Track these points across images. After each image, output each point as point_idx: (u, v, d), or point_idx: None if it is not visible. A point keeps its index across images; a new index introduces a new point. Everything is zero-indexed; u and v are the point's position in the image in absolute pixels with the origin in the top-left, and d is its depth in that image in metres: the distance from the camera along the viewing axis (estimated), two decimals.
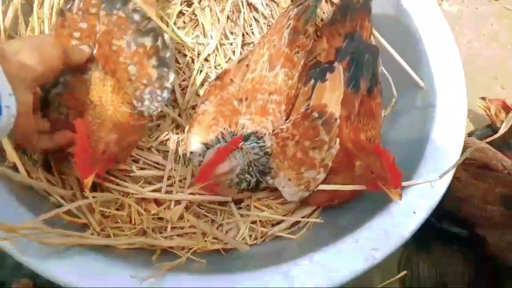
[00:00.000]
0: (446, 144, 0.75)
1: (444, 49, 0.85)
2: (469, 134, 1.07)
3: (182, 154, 0.79)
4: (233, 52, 0.94)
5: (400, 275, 0.86)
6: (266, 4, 0.99)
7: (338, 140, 0.71)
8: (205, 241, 0.70)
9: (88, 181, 0.58)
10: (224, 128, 0.73)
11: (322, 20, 0.95)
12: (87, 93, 0.64)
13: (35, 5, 0.77)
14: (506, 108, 1.01)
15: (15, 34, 0.75)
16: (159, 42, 0.68)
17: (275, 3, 0.99)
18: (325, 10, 0.97)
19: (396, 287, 0.92)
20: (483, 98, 1.07)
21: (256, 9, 0.97)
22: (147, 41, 0.67)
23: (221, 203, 0.75)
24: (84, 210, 0.66)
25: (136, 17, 0.67)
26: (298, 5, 0.80)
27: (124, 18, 0.67)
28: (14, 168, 0.63)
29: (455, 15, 1.33)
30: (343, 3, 0.88)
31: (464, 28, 1.31)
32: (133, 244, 0.63)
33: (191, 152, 0.72)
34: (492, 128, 1.03)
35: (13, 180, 0.62)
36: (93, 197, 0.65)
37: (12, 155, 0.63)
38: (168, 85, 0.68)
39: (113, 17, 0.67)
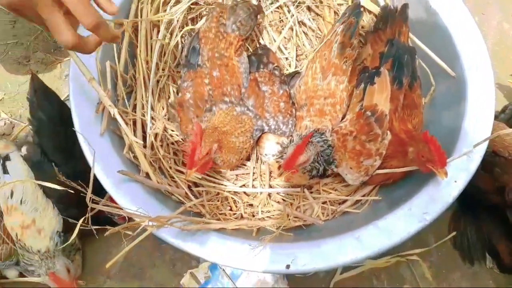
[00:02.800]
0: (478, 124, 0.86)
1: (470, 41, 0.94)
2: (503, 109, 1.18)
3: (258, 156, 0.97)
4: (289, 64, 1.10)
5: (450, 236, 1.01)
6: (313, 19, 1.15)
7: (389, 132, 0.86)
8: (289, 220, 0.88)
9: (191, 172, 0.76)
10: None
11: (363, 27, 1.10)
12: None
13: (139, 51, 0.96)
14: None
15: (125, 74, 0.95)
16: None
17: (321, 17, 1.15)
18: (364, 18, 1.11)
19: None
20: None
21: (304, 24, 1.13)
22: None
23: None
24: (197, 204, 0.87)
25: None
26: (343, 22, 0.95)
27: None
28: (147, 176, 0.83)
29: (484, 0, 1.42)
30: (384, 13, 1.01)
31: (493, 11, 1.37)
32: (240, 224, 0.83)
33: (265, 154, 0.91)
34: None
35: (147, 185, 0.82)
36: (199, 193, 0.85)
37: (146, 167, 0.83)
38: None
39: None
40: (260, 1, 1.11)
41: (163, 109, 1.00)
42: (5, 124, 1.14)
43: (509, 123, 1.12)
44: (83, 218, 0.71)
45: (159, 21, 1.00)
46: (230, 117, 0.87)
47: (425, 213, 0.78)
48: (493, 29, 1.35)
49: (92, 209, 0.72)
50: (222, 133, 0.82)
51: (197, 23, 1.08)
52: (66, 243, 0.86)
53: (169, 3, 1.04)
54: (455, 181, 0.81)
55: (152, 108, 0.96)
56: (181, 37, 1.04)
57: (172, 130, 0.98)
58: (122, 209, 0.75)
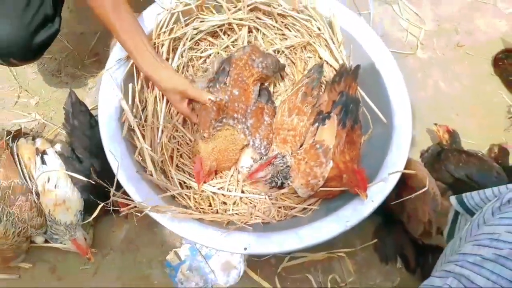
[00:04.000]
0: (396, 159, 1.14)
1: (401, 100, 1.23)
2: (427, 149, 1.48)
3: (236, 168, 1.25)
4: None
5: (373, 242, 1.30)
6: (288, 65, 1.45)
7: (331, 161, 1.15)
8: (251, 217, 1.16)
9: (200, 186, 1.07)
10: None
11: (324, 76, 1.40)
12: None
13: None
14: (448, 132, 1.40)
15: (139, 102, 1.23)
16: None
17: (294, 64, 1.45)
18: (327, 69, 1.41)
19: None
20: (435, 124, 1.44)
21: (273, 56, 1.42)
22: None
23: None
24: (185, 198, 1.14)
25: None
26: (308, 77, 1.25)
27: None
28: (150, 175, 1.11)
29: (426, 60, 1.70)
30: (340, 69, 1.29)
31: (432, 70, 1.67)
32: (214, 217, 1.10)
33: (241, 166, 1.19)
34: (440, 144, 1.42)
35: (151, 181, 1.09)
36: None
37: (150, 167, 1.11)
38: None
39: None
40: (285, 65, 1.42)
41: (170, 118, 1.29)
42: (38, 123, 1.40)
43: (430, 160, 1.42)
44: (101, 204, 0.99)
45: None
46: (229, 139, 1.16)
47: (347, 221, 1.05)
48: (431, 85, 1.66)
49: (107, 198, 0.98)
50: (219, 151, 1.13)
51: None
52: (86, 221, 1.13)
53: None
54: (372, 200, 1.09)
55: (158, 118, 1.24)
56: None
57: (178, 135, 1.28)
58: (132, 200, 1.02)
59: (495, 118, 1.60)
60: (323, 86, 1.36)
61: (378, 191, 1.11)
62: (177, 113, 1.30)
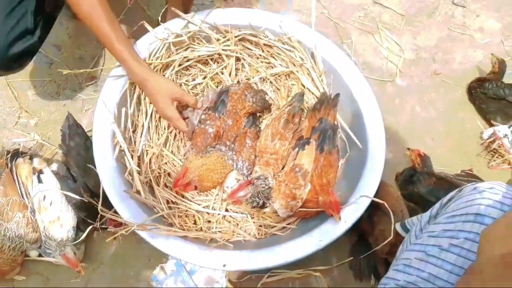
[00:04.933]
0: (369, 182, 1.21)
1: (375, 127, 1.31)
2: (402, 172, 1.55)
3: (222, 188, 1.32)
4: None
5: (348, 260, 1.36)
6: (273, 91, 1.54)
7: (309, 184, 1.22)
8: (233, 235, 1.23)
9: (175, 189, 1.15)
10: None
11: (307, 102, 1.48)
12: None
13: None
14: (420, 156, 1.47)
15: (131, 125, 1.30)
16: None
17: (279, 91, 1.53)
18: (308, 96, 1.49)
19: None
20: (408, 149, 1.52)
21: (266, 94, 1.51)
22: None
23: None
24: (171, 216, 1.21)
25: None
26: (290, 105, 1.33)
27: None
28: (138, 193, 1.17)
29: (404, 87, 1.77)
30: (321, 97, 1.38)
31: (409, 97, 1.75)
32: (198, 235, 1.16)
33: (227, 186, 1.27)
34: (413, 168, 1.48)
35: (138, 200, 1.16)
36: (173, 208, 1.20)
37: (138, 185, 1.17)
38: None
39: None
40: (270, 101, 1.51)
41: (158, 139, 1.36)
42: (37, 143, 1.47)
43: (403, 182, 1.50)
44: (91, 226, 1.05)
45: None
46: (218, 160, 1.24)
47: (321, 240, 1.12)
48: (408, 110, 1.74)
49: (98, 215, 1.05)
50: (207, 170, 1.20)
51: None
52: (79, 238, 1.19)
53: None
54: (345, 221, 1.16)
55: (148, 140, 1.32)
56: None
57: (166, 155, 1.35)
58: (120, 217, 1.09)
59: (468, 143, 1.68)
60: (305, 112, 1.44)
61: (351, 212, 1.18)
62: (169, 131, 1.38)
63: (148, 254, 1.32)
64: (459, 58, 1.92)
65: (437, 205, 0.94)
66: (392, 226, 1.05)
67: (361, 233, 1.35)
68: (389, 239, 1.04)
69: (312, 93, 1.48)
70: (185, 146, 1.40)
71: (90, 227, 1.05)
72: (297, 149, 1.27)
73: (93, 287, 1.28)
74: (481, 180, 1.45)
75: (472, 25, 2.03)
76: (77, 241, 1.21)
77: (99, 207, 1.03)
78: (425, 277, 0.80)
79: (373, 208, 1.24)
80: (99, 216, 1.03)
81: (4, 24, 1.19)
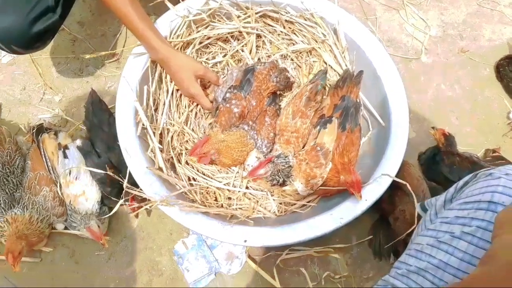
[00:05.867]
0: (390, 161, 1.19)
1: (399, 104, 1.28)
2: (425, 151, 1.51)
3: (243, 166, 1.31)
4: None
5: (367, 238, 1.36)
6: (294, 68, 1.50)
7: (330, 163, 1.20)
8: (253, 211, 1.23)
9: (189, 157, 1.16)
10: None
11: (328, 80, 1.44)
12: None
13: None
14: (444, 135, 1.42)
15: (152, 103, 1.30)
16: None
17: (300, 68, 1.50)
18: (331, 73, 1.46)
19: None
20: (433, 127, 1.46)
21: (287, 71, 1.48)
22: None
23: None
24: (193, 193, 1.21)
25: None
26: (312, 82, 1.30)
27: None
28: (161, 170, 1.18)
29: (430, 65, 1.71)
30: (344, 74, 1.33)
31: (434, 75, 1.69)
32: (219, 211, 1.17)
33: (248, 164, 1.26)
34: (437, 147, 1.42)
35: (161, 176, 1.17)
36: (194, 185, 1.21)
37: (160, 162, 1.18)
38: None
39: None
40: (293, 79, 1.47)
41: (179, 117, 1.36)
42: (61, 119, 1.49)
43: (426, 162, 1.46)
44: (120, 201, 1.07)
45: None
46: (241, 139, 1.23)
47: (341, 218, 1.11)
48: (432, 88, 1.69)
49: (121, 190, 1.06)
50: (227, 147, 1.19)
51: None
52: (103, 212, 1.22)
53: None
54: (366, 200, 1.14)
55: (169, 118, 1.31)
56: None
57: (187, 133, 1.35)
58: (143, 193, 1.10)
59: (494, 122, 1.62)
60: (327, 89, 1.41)
61: (372, 191, 1.16)
62: (189, 109, 1.38)
63: (170, 229, 1.34)
64: (488, 34, 1.83)
65: (451, 189, 0.92)
66: (416, 209, 1.03)
67: (382, 212, 1.33)
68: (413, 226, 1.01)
69: (334, 70, 1.45)
70: (207, 123, 1.40)
71: (118, 203, 1.06)
72: (318, 127, 1.25)
73: (116, 259, 1.30)
74: (508, 162, 1.40)
75: (503, 1, 1.93)
76: (102, 216, 1.23)
77: (125, 183, 1.03)
78: (436, 263, 0.79)
79: (395, 188, 1.22)
80: (124, 191, 1.04)
81: (25, 3, 1.19)
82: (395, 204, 1.27)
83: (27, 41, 1.22)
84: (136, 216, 1.19)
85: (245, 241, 1.07)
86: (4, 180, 1.21)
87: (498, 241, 0.57)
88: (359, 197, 1.12)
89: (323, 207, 1.22)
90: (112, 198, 1.20)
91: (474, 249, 0.76)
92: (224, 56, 1.49)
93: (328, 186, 1.20)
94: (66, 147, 1.27)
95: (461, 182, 0.89)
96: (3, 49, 1.24)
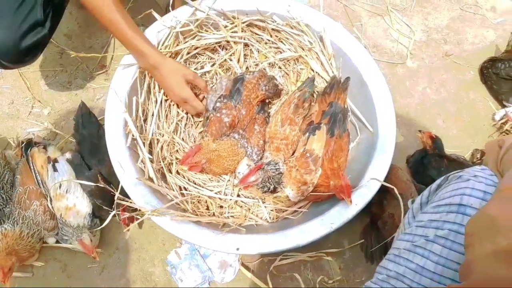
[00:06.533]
0: (379, 165, 1.21)
1: (385, 110, 1.30)
2: (413, 154, 1.53)
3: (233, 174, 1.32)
4: None
5: (359, 242, 1.37)
6: (282, 76, 1.52)
7: (320, 168, 1.22)
8: (245, 219, 1.23)
9: (180, 166, 1.17)
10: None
11: (316, 87, 1.46)
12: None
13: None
14: (431, 138, 1.44)
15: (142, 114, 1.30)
16: None
17: (288, 76, 1.52)
18: (318, 80, 1.48)
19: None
20: (420, 131, 1.49)
21: (275, 79, 1.49)
22: None
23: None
24: (184, 203, 1.21)
25: None
26: (300, 90, 1.31)
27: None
28: (151, 180, 1.18)
29: (415, 69, 1.74)
30: (331, 81, 1.35)
31: (420, 79, 1.72)
32: (210, 220, 1.17)
33: (238, 172, 1.27)
34: (424, 150, 1.45)
35: (151, 187, 1.17)
36: (185, 194, 1.21)
37: (151, 173, 1.18)
38: None
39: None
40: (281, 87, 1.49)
41: (168, 127, 1.36)
42: (50, 132, 1.49)
43: (414, 165, 1.48)
44: (112, 213, 1.07)
45: None
46: (232, 148, 1.23)
47: (332, 223, 1.12)
48: (418, 92, 1.71)
49: (112, 202, 1.06)
50: (218, 156, 1.20)
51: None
52: (97, 227, 1.21)
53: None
54: (356, 204, 1.16)
55: (159, 128, 1.32)
56: None
57: (177, 143, 1.36)
58: (134, 203, 1.10)
59: (480, 124, 1.65)
60: (315, 96, 1.43)
61: (362, 196, 1.17)
62: (178, 119, 1.38)
63: (162, 239, 1.34)
64: (471, 38, 1.87)
65: (425, 192, 0.93)
66: (402, 211, 1.04)
67: (372, 216, 1.35)
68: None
69: (322, 77, 1.47)
70: (197, 132, 1.41)
71: (111, 215, 1.06)
72: (307, 134, 1.26)
73: (109, 272, 1.30)
74: None
75: (484, 4, 1.98)
76: (94, 228, 1.23)
77: (117, 194, 1.03)
78: (413, 268, 0.80)
79: (383, 192, 1.23)
80: (115, 203, 1.04)
81: (14, 18, 1.19)
82: (384, 208, 1.29)
83: (17, 56, 1.22)
84: (128, 230, 1.19)
85: (238, 249, 1.08)
86: None
87: (472, 251, 0.58)
88: (349, 202, 1.13)
89: (314, 212, 1.23)
90: (104, 209, 1.20)
91: (448, 252, 0.77)
92: (213, 65, 1.50)
93: (318, 192, 1.21)
94: (55, 161, 1.27)
95: (434, 185, 0.90)
96: None
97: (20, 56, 1.22)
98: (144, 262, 1.31)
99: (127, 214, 1.10)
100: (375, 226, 1.33)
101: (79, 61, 1.64)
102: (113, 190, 1.05)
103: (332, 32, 1.43)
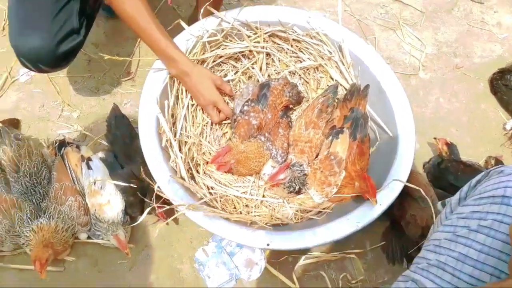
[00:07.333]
0: (400, 168, 1.26)
1: (404, 115, 1.36)
2: (429, 160, 1.59)
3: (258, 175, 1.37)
4: None
5: (381, 244, 1.40)
6: (302, 84, 1.59)
7: (344, 171, 1.27)
8: (272, 219, 1.28)
9: (209, 165, 1.26)
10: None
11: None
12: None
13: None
14: (447, 144, 1.51)
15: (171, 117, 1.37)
16: None
17: (308, 83, 1.59)
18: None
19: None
20: (435, 138, 1.56)
21: (298, 87, 1.56)
22: None
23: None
24: (213, 201, 1.26)
25: None
26: (324, 96, 1.37)
27: None
28: (183, 179, 1.23)
29: (428, 80, 1.82)
30: (351, 88, 1.40)
31: (433, 89, 1.80)
32: (239, 217, 1.21)
33: (264, 173, 1.32)
34: (440, 156, 1.52)
35: (183, 185, 1.21)
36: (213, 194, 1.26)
37: (183, 172, 1.23)
38: None
39: None
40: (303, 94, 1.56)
41: (195, 130, 1.42)
42: (80, 134, 1.54)
43: (431, 170, 1.54)
44: (148, 208, 1.12)
45: None
46: (258, 150, 1.29)
47: (358, 222, 1.17)
48: (432, 102, 1.78)
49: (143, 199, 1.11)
50: (246, 157, 1.25)
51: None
52: (126, 221, 1.26)
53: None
54: (380, 204, 1.21)
55: (186, 130, 1.38)
56: None
57: (204, 145, 1.41)
58: (172, 197, 1.15)
59: (492, 133, 1.72)
60: (335, 103, 1.49)
61: (385, 196, 1.22)
62: (203, 123, 1.44)
63: (190, 237, 1.38)
64: (479, 52, 1.96)
65: (465, 188, 0.97)
66: (437, 208, 1.09)
67: (393, 218, 1.39)
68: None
69: (341, 85, 1.53)
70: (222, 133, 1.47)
71: (147, 210, 1.11)
72: (331, 137, 1.31)
73: (138, 268, 1.33)
74: None
75: (490, 20, 2.07)
76: (126, 225, 1.27)
77: (156, 187, 1.09)
78: (456, 256, 0.83)
79: (403, 195, 1.28)
80: (154, 196, 1.09)
81: (52, 25, 1.26)
82: (405, 209, 1.34)
83: (54, 61, 1.28)
84: (167, 222, 1.23)
85: (268, 244, 1.12)
86: (32, 190, 1.25)
87: None
88: (375, 202, 1.18)
89: (338, 213, 1.27)
90: (135, 207, 1.24)
91: (491, 241, 0.80)
92: (236, 73, 1.56)
93: (342, 193, 1.26)
94: (89, 159, 1.32)
95: (474, 181, 0.95)
96: (29, 68, 1.30)
97: (57, 60, 1.29)
98: (172, 259, 1.34)
99: (165, 207, 1.14)
100: (396, 228, 1.38)
101: (107, 68, 1.71)
102: (152, 183, 1.10)
103: (350, 42, 1.51)
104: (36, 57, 1.25)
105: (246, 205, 1.32)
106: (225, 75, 1.56)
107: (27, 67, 1.30)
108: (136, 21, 1.22)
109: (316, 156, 1.32)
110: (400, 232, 1.38)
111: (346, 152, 1.28)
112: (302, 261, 1.33)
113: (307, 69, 1.59)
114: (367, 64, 1.48)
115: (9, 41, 1.26)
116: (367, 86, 1.42)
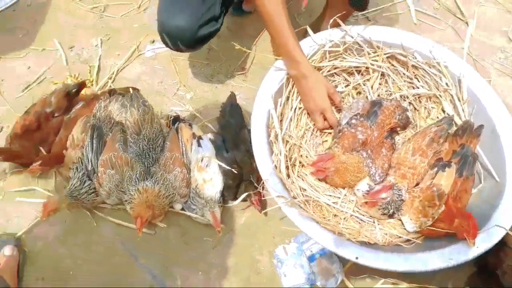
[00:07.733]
0: (505, 216, 1.20)
1: None
2: None
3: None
4: None
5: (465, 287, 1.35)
6: (411, 110, 1.57)
7: (444, 205, 1.23)
8: (359, 234, 1.27)
9: (308, 167, 1.31)
10: None
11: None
12: None
13: None
14: None
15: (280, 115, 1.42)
16: None
17: (417, 111, 1.57)
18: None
19: None
20: None
21: (408, 111, 1.54)
22: None
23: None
24: (305, 203, 1.29)
25: None
26: (438, 126, 1.35)
27: None
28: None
29: None
30: (464, 125, 1.37)
31: None
32: (328, 224, 1.22)
33: (357, 189, 1.32)
34: None
35: (281, 179, 1.25)
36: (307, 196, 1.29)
37: (283, 168, 1.27)
38: None
39: None
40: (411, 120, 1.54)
41: (297, 132, 1.46)
42: (190, 114, 1.66)
43: None
44: (244, 194, 1.17)
45: None
46: (358, 165, 1.30)
47: (451, 259, 1.13)
48: None
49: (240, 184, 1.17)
50: (345, 168, 1.27)
51: None
52: (232, 203, 1.33)
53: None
54: (477, 247, 1.16)
55: (289, 131, 1.42)
56: None
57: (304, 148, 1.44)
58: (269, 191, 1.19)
59: None
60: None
61: (482, 240, 1.17)
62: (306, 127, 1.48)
63: (273, 232, 1.42)
64: None
65: None
66: None
67: (482, 264, 1.32)
68: None
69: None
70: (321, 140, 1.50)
71: (244, 194, 1.17)
72: (436, 169, 1.28)
73: (221, 249, 1.39)
74: None
75: None
76: (220, 204, 1.34)
77: (262, 174, 1.14)
78: None
79: (500, 243, 1.21)
80: (260, 181, 1.15)
81: (199, 9, 1.38)
82: (501, 258, 1.26)
83: (192, 42, 1.40)
84: (265, 214, 1.26)
85: (357, 258, 1.12)
86: (146, 154, 1.36)
87: None
88: (472, 243, 1.14)
89: (426, 246, 1.24)
90: (230, 189, 1.30)
91: None
92: (346, 86, 1.59)
93: (437, 227, 1.23)
94: (200, 137, 1.42)
95: None
96: (166, 44, 1.43)
97: (195, 42, 1.40)
98: (253, 248, 1.39)
99: (263, 196, 1.19)
100: (485, 276, 1.31)
101: (223, 59, 1.82)
102: (256, 169, 1.16)
103: (470, 79, 1.47)
104: (178, 36, 1.37)
105: (335, 215, 1.33)
106: (336, 86, 1.59)
107: (165, 43, 1.42)
108: (273, 19, 1.29)
109: (417, 184, 1.30)
110: (489, 280, 1.31)
111: (450, 187, 1.25)
112: (380, 284, 1.30)
113: (420, 97, 1.57)
114: (485, 104, 1.43)
115: (157, 16, 1.39)
116: (481, 126, 1.38)
